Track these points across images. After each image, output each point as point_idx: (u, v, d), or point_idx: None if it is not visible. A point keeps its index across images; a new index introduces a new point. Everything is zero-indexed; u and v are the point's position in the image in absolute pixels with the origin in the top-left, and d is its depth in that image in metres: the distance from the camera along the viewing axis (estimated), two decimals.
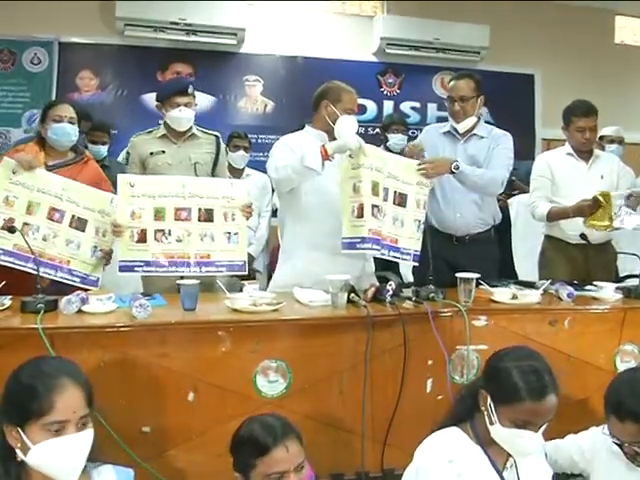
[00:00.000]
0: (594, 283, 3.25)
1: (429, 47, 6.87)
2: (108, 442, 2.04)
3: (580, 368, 2.91)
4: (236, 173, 4.96)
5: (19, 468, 1.66)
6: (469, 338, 2.77)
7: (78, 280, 3.03)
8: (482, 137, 3.63)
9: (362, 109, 6.55)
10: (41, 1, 5.87)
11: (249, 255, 4.39)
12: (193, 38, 6.31)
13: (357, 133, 3.12)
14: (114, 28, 6.20)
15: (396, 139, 5.26)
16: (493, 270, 3.62)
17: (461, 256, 3.53)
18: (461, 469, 1.93)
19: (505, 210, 4.12)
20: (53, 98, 6.01)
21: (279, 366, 2.58)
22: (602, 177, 3.83)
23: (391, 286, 2.86)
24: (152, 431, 2.45)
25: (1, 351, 2.30)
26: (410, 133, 6.74)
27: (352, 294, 2.81)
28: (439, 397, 2.76)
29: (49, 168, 3.14)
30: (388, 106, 7.00)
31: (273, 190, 4.73)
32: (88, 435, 1.69)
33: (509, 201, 4.80)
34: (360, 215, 2.97)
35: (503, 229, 4.00)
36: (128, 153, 3.66)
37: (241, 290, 2.93)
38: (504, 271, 3.83)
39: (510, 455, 2.01)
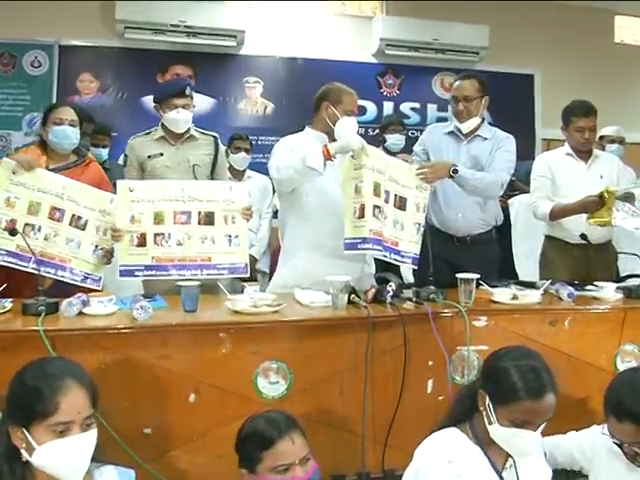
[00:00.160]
0: (594, 283, 3.25)
1: (428, 48, 6.87)
2: (110, 443, 2.04)
3: (581, 368, 2.91)
4: (237, 175, 4.97)
5: (24, 468, 1.67)
6: (469, 339, 2.77)
7: (79, 279, 3.03)
8: (485, 138, 3.63)
9: (362, 110, 6.54)
10: (41, 3, 5.87)
11: (251, 257, 4.41)
12: (193, 40, 6.31)
13: (357, 134, 3.13)
14: (114, 31, 6.20)
15: (394, 139, 5.28)
16: (494, 271, 3.63)
17: (462, 257, 3.53)
18: (461, 469, 1.94)
19: (505, 210, 4.12)
20: (54, 101, 6.01)
21: (280, 367, 2.59)
22: (602, 177, 3.83)
23: (391, 287, 2.86)
24: (153, 432, 2.46)
25: (3, 353, 2.31)
26: (410, 134, 6.77)
27: (353, 295, 2.82)
28: (440, 398, 2.76)
29: (51, 171, 3.14)
30: (388, 107, 7.00)
31: (274, 191, 4.73)
32: (92, 435, 1.70)
33: (509, 201, 4.81)
34: (361, 215, 2.98)
35: (503, 229, 4.00)
36: (126, 155, 3.65)
37: (242, 291, 2.94)
38: (504, 271, 3.83)
39: (509, 455, 2.02)
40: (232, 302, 2.72)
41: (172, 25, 6.18)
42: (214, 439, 2.50)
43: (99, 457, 1.75)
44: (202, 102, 6.16)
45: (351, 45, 6.93)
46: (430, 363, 2.78)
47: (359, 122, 3.35)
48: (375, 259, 3.37)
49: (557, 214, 3.78)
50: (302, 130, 3.45)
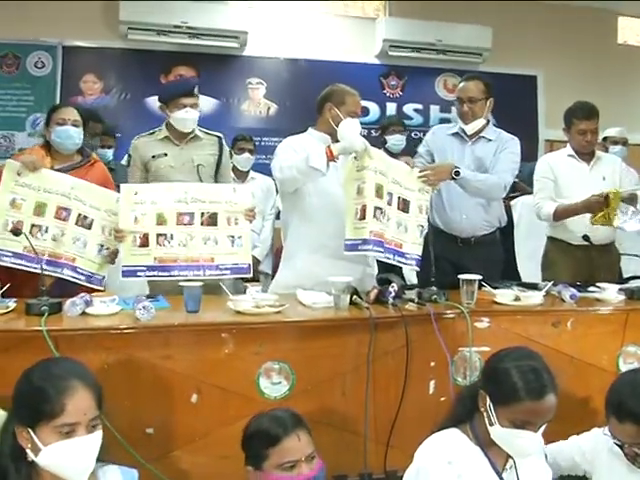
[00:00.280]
0: (597, 284, 3.25)
1: (431, 49, 6.87)
2: (112, 443, 2.05)
3: (583, 369, 2.91)
4: (241, 176, 4.98)
5: (29, 468, 1.68)
6: (471, 340, 2.77)
7: (83, 278, 3.04)
8: (490, 140, 3.63)
9: (365, 111, 6.54)
10: (45, 5, 5.89)
11: (254, 258, 4.41)
12: (196, 41, 6.31)
13: (360, 135, 3.13)
14: (117, 32, 6.21)
15: (394, 140, 5.25)
16: (497, 272, 3.63)
17: (466, 258, 3.54)
18: (461, 470, 1.94)
19: (508, 211, 4.12)
20: (57, 102, 6.03)
21: (282, 368, 2.59)
22: (604, 178, 3.83)
23: (393, 288, 2.87)
24: (156, 432, 2.46)
25: (6, 353, 2.32)
26: (413, 135, 6.78)
27: (355, 296, 2.82)
28: (442, 399, 2.76)
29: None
30: (391, 108, 7.01)
31: (277, 193, 4.74)
32: (97, 437, 1.71)
33: (512, 203, 4.80)
34: (362, 217, 2.98)
35: (506, 231, 4.00)
36: (130, 156, 3.65)
37: (244, 292, 2.94)
38: (507, 272, 3.83)
39: (510, 456, 2.02)
40: (234, 302, 2.73)
41: (175, 26, 6.19)
42: (216, 439, 2.51)
43: (102, 457, 1.75)
44: (205, 103, 6.15)
45: (354, 46, 6.94)
46: (432, 364, 2.78)
47: (362, 123, 3.35)
48: (378, 260, 3.37)
49: (561, 214, 3.78)
50: (305, 131, 3.45)
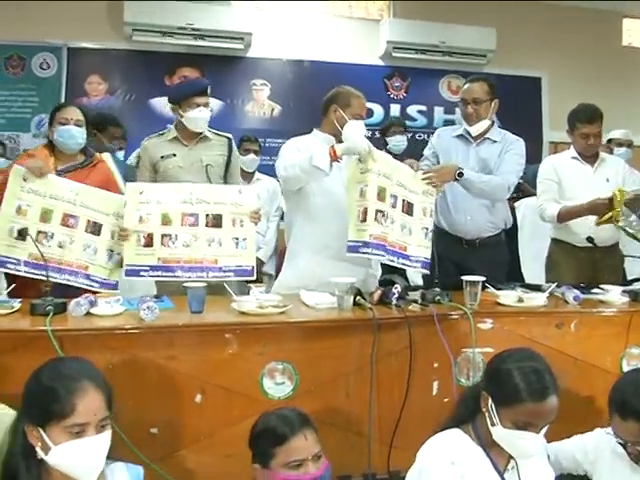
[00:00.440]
0: (600, 286, 3.25)
1: (435, 50, 6.88)
2: (117, 443, 2.06)
3: (586, 371, 2.91)
4: (246, 177, 4.98)
5: (40, 466, 1.69)
6: (475, 341, 2.78)
7: (97, 285, 3.03)
8: (494, 141, 3.64)
9: (369, 113, 6.53)
10: (50, 6, 5.91)
11: (258, 259, 4.42)
12: (200, 43, 6.33)
13: (365, 137, 3.13)
14: (122, 33, 6.24)
15: (395, 141, 5.25)
16: (502, 274, 3.63)
17: (470, 259, 3.54)
18: (464, 471, 1.94)
19: (512, 213, 4.12)
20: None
21: (285, 368, 2.60)
22: (608, 180, 3.83)
23: (397, 289, 2.87)
24: (160, 432, 2.47)
25: (12, 353, 2.33)
26: (417, 137, 6.80)
27: (358, 297, 2.83)
28: (445, 400, 2.77)
29: (58, 172, 3.15)
30: (395, 109, 7.01)
31: (282, 193, 4.75)
32: (107, 436, 1.73)
33: (516, 204, 4.80)
34: (364, 219, 2.99)
35: (511, 232, 4.00)
36: (139, 156, 3.66)
37: (248, 293, 2.95)
38: (511, 274, 3.83)
39: (512, 457, 2.02)
40: (238, 303, 2.73)
41: (180, 28, 6.22)
42: (221, 439, 2.51)
43: (109, 455, 1.76)
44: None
45: (358, 48, 6.95)
46: (435, 365, 2.79)
47: (366, 125, 3.36)
48: (382, 262, 3.38)
49: (565, 216, 3.78)
50: (309, 132, 3.46)
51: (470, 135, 3.68)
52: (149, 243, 3.03)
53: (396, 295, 2.85)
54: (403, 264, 3.16)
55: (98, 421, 1.69)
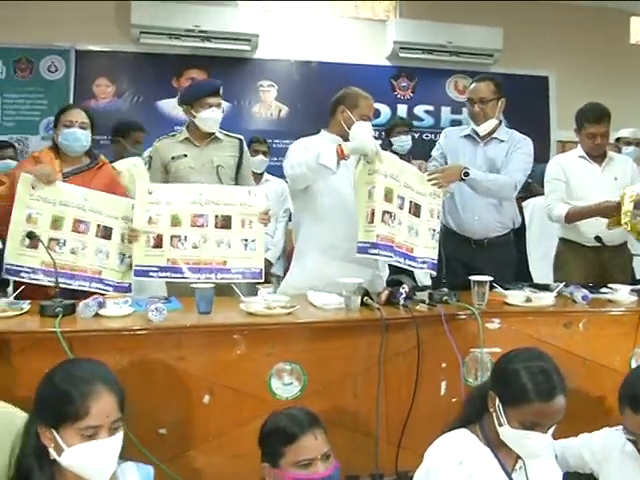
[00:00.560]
0: (609, 285, 3.24)
1: (442, 50, 6.86)
2: (126, 443, 2.07)
3: (595, 371, 2.91)
4: (255, 178, 4.97)
5: (52, 466, 1.70)
6: (482, 341, 2.78)
7: (111, 289, 3.05)
8: (502, 141, 3.64)
9: (376, 113, 6.54)
10: (57, 9, 5.94)
11: (267, 260, 4.42)
12: (208, 44, 6.34)
13: (372, 138, 3.13)
14: (130, 36, 6.25)
15: (399, 141, 5.20)
16: (510, 274, 3.63)
17: (478, 259, 3.54)
18: (471, 471, 1.94)
19: (520, 212, 4.11)
20: None
21: (293, 369, 2.60)
22: (616, 179, 3.82)
23: (404, 289, 2.87)
24: (169, 433, 2.48)
25: (21, 354, 2.34)
26: (424, 137, 6.79)
27: (366, 297, 2.83)
28: (453, 400, 2.77)
29: (64, 175, 3.16)
30: (402, 110, 7.00)
31: None
32: (119, 438, 1.73)
33: (524, 204, 4.80)
34: (372, 220, 2.99)
35: (519, 232, 4.00)
36: (150, 157, 3.66)
37: (256, 293, 2.96)
38: (519, 274, 3.83)
39: (519, 457, 2.01)
40: (246, 304, 2.74)
41: (187, 30, 6.22)
42: (229, 440, 2.52)
43: (120, 454, 1.77)
44: None
45: (365, 48, 6.95)
46: (443, 365, 2.79)
47: (373, 125, 3.36)
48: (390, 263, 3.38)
49: (573, 217, 3.77)
50: (317, 133, 3.46)
51: (477, 135, 3.68)
52: (158, 244, 3.05)
53: (404, 295, 2.85)
54: (410, 265, 3.17)
55: (111, 423, 1.70)
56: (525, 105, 6.66)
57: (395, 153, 4.21)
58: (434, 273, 3.24)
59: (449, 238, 3.45)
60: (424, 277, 3.97)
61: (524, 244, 4.47)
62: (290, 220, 4.66)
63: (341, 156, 3.04)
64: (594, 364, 2.91)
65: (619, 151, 4.91)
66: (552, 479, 2.11)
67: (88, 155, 3.31)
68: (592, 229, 3.70)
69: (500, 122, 3.70)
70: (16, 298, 2.72)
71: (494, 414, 1.98)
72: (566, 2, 7.14)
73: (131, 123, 4.93)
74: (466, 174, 3.29)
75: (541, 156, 5.22)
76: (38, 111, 6.16)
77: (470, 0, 6.81)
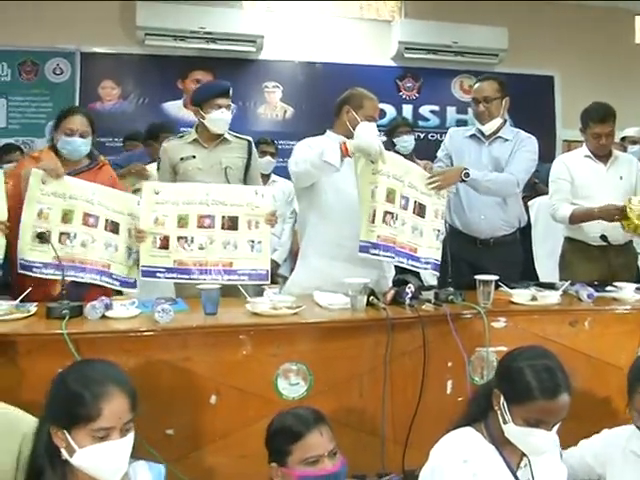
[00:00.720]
0: (614, 284, 3.24)
1: (447, 50, 6.86)
2: (134, 443, 2.08)
3: (601, 369, 2.91)
4: (263, 179, 4.97)
5: (64, 466, 1.71)
6: (488, 340, 2.78)
7: (118, 284, 3.09)
8: (507, 140, 3.63)
9: (381, 113, 6.54)
10: (62, 11, 5.96)
11: (274, 261, 4.42)
12: (212, 46, 6.36)
13: (377, 139, 3.13)
14: (135, 38, 6.27)
15: (402, 141, 5.14)
16: (516, 273, 3.63)
17: (484, 259, 3.54)
18: (476, 469, 1.94)
19: (525, 211, 4.11)
20: None
21: (300, 369, 2.61)
22: (621, 178, 3.82)
23: (410, 289, 2.87)
24: (176, 433, 2.49)
25: (28, 356, 2.36)
26: (429, 137, 6.79)
27: (371, 297, 2.84)
28: (459, 399, 2.77)
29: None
30: (407, 110, 7.01)
31: None
32: (130, 438, 1.74)
33: (530, 203, 4.79)
34: (373, 220, 3.01)
35: (525, 231, 4.00)
36: (159, 158, 3.67)
37: (262, 294, 2.96)
38: (525, 272, 3.83)
39: (524, 454, 2.02)
40: (252, 304, 2.75)
41: (192, 31, 6.24)
42: (236, 440, 2.53)
43: (132, 454, 1.77)
44: None
45: (370, 49, 6.95)
46: (449, 364, 2.80)
47: (378, 125, 3.36)
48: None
49: (577, 218, 3.77)
50: (322, 134, 3.47)
51: (483, 134, 3.68)
52: (165, 245, 3.06)
53: (409, 295, 2.86)
54: (413, 265, 3.17)
55: (123, 424, 1.71)
56: (530, 105, 6.66)
57: (398, 154, 4.21)
58: (437, 274, 3.24)
59: (455, 238, 3.46)
60: (430, 277, 3.97)
61: (530, 243, 4.47)
62: (297, 221, 4.66)
63: (345, 153, 3.02)
64: (599, 362, 2.92)
65: (624, 150, 4.89)
66: (557, 476, 2.11)
67: (88, 156, 3.28)
68: (597, 228, 3.69)
69: (505, 121, 3.70)
70: (22, 301, 2.72)
71: (499, 412, 1.98)
72: (571, 2, 7.13)
73: (160, 126, 4.99)
74: (466, 175, 3.29)
75: (547, 155, 5.20)
76: (44, 114, 6.18)
77: (475, 0, 6.81)
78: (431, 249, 3.22)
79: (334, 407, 2.59)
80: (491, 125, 3.63)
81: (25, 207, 2.94)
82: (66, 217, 2.99)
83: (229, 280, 3.08)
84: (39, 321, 2.56)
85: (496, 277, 2.93)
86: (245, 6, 6.50)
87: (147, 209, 3.07)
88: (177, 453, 2.45)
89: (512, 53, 6.90)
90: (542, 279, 3.91)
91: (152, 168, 3.63)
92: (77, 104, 6.16)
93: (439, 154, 3.84)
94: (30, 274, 2.92)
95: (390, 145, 5.19)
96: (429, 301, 2.90)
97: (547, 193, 4.30)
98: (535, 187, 4.94)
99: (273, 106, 6.78)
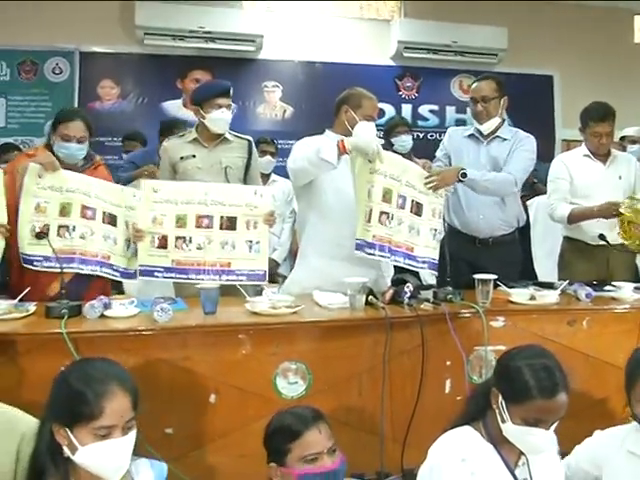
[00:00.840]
0: (612, 283, 3.25)
1: (447, 50, 6.87)
2: (135, 441, 2.09)
3: (599, 368, 2.92)
4: (263, 179, 4.98)
5: (67, 463, 1.72)
6: (487, 339, 2.79)
7: (118, 275, 3.10)
8: (505, 139, 3.63)
9: (381, 113, 6.53)
10: (61, 10, 5.96)
11: (274, 261, 4.43)
12: (212, 45, 6.36)
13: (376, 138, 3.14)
14: (134, 37, 6.27)
15: (400, 141, 5.11)
16: (515, 272, 3.63)
17: (483, 258, 3.54)
18: (474, 468, 1.94)
19: (524, 211, 4.11)
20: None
21: (299, 368, 2.62)
22: (620, 178, 3.83)
23: (409, 288, 2.88)
24: (175, 432, 2.50)
25: (27, 355, 2.36)
26: (429, 136, 6.80)
27: (370, 296, 2.84)
28: (458, 397, 2.78)
29: None
30: (406, 109, 7.01)
31: None
32: (132, 437, 1.74)
33: (528, 202, 4.79)
34: (369, 220, 3.01)
35: (523, 231, 4.00)
36: (159, 157, 3.67)
37: (261, 293, 2.97)
38: (523, 272, 3.83)
39: (522, 453, 2.02)
40: (251, 304, 2.76)
41: (191, 31, 6.24)
42: (235, 439, 2.54)
43: (133, 452, 1.78)
44: None
45: (369, 48, 6.96)
46: (448, 363, 2.80)
47: (377, 125, 3.36)
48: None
49: (575, 218, 3.77)
50: (322, 133, 3.47)
51: (481, 134, 3.68)
52: (163, 245, 3.07)
53: (408, 294, 2.87)
54: (409, 265, 3.17)
55: (124, 423, 1.71)
56: (530, 104, 6.67)
57: (396, 153, 4.22)
58: (435, 273, 3.25)
59: (454, 237, 3.46)
60: (429, 276, 3.97)
61: (529, 242, 4.47)
62: (296, 221, 4.66)
63: (342, 151, 3.02)
64: (598, 361, 2.92)
65: (624, 150, 4.90)
66: (555, 474, 2.11)
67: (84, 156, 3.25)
68: (596, 228, 3.69)
69: (503, 121, 3.70)
70: (20, 301, 2.72)
71: (497, 411, 1.98)
72: (571, 2, 7.13)
73: (171, 122, 5.01)
74: (464, 175, 3.29)
75: (546, 155, 5.21)
76: (43, 113, 6.18)
77: (474, 0, 6.81)
78: (428, 248, 3.23)
79: (333, 406, 2.60)
80: (489, 125, 3.64)
81: (22, 202, 2.94)
82: (64, 210, 3.00)
83: (227, 280, 3.09)
84: (38, 320, 2.56)
85: (495, 276, 2.93)
86: (245, 6, 6.51)
87: (146, 208, 3.08)
88: (176, 452, 2.45)
89: (511, 53, 6.91)
90: (541, 279, 3.90)
91: None
92: (76, 103, 6.18)
93: (438, 154, 3.84)
94: (32, 267, 2.92)
95: (388, 145, 5.18)
96: (428, 300, 2.91)
97: (546, 193, 4.31)
98: (534, 187, 4.95)
99: (273, 106, 6.78)
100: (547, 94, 7.40)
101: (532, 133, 3.70)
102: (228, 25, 6.30)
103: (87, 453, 1.67)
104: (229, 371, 2.56)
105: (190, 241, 3.09)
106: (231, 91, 3.52)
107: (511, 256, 3.70)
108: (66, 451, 1.69)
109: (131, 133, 5.51)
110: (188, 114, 5.70)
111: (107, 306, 2.63)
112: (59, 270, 2.80)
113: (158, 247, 3.06)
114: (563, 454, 2.25)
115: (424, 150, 5.09)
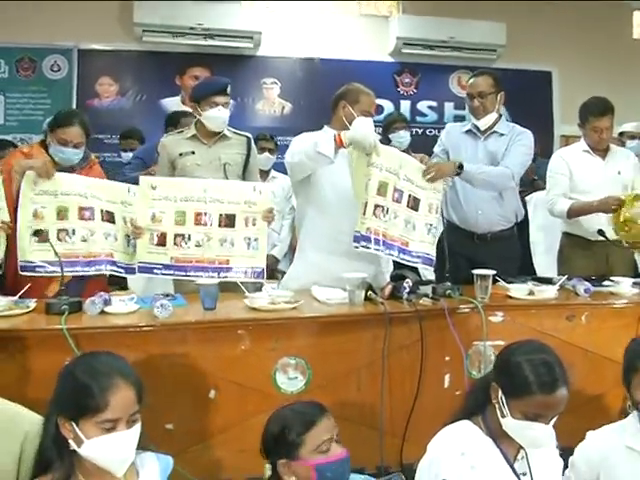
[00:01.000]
0: (611, 278, 3.26)
1: (445, 46, 6.88)
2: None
3: (598, 363, 2.92)
4: (262, 175, 4.97)
5: (72, 456, 1.72)
6: (486, 334, 2.79)
7: (122, 271, 3.09)
8: (502, 134, 3.63)
9: (379, 109, 6.55)
10: (60, 8, 5.96)
11: (274, 257, 4.43)
12: (210, 42, 6.37)
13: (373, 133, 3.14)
14: (132, 34, 6.28)
15: (397, 137, 5.11)
16: (514, 268, 3.62)
17: (481, 253, 3.54)
18: (474, 461, 1.95)
19: (523, 206, 4.12)
20: (74, 105, 6.13)
21: (298, 363, 2.63)
22: (619, 173, 3.83)
23: (408, 283, 2.88)
24: (175, 428, 2.50)
25: (28, 351, 2.37)
26: (427, 132, 6.80)
27: (369, 291, 2.85)
28: (457, 392, 2.79)
29: None
30: (405, 105, 7.02)
31: None
32: (137, 429, 1.75)
33: (527, 198, 4.79)
34: (364, 212, 3.01)
35: (522, 226, 4.00)
36: (158, 153, 3.67)
37: (261, 289, 2.97)
38: (522, 267, 3.83)
39: (521, 447, 2.02)
40: (250, 299, 2.76)
41: (190, 28, 6.26)
42: (235, 434, 2.55)
43: (138, 445, 1.79)
44: None
45: (368, 44, 6.97)
46: (447, 358, 2.81)
47: (376, 121, 3.36)
48: None
49: (575, 213, 3.78)
50: (320, 129, 3.47)
51: (478, 129, 3.68)
52: (162, 242, 3.07)
53: (407, 289, 2.87)
54: (403, 259, 3.16)
55: (129, 416, 1.72)
56: (528, 100, 6.68)
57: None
58: (430, 268, 3.25)
59: (452, 233, 3.46)
60: (428, 271, 3.98)
61: (527, 238, 4.48)
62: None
63: (339, 144, 3.02)
64: (596, 356, 2.93)
65: (623, 145, 4.90)
66: (554, 468, 2.12)
67: None
68: (595, 223, 3.70)
69: (500, 116, 3.70)
70: (21, 297, 2.72)
71: (497, 406, 1.99)
72: None
73: (178, 113, 4.98)
74: (460, 167, 3.29)
75: (545, 150, 5.23)
76: (41, 110, 6.19)
77: None
78: (423, 243, 3.22)
79: (332, 401, 2.58)
80: (486, 120, 3.63)
81: (20, 209, 2.92)
82: (61, 214, 2.98)
83: (226, 277, 3.09)
84: (38, 317, 2.57)
85: (493, 272, 2.93)
86: (243, 3, 6.51)
87: (144, 205, 3.07)
88: (177, 447, 2.44)
89: (510, 48, 6.92)
90: (540, 274, 3.90)
91: None
92: (75, 101, 6.20)
93: (436, 149, 3.84)
94: (34, 275, 2.90)
95: (386, 141, 5.18)
96: (427, 295, 2.92)
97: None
98: (534, 184, 4.95)
99: (271, 102, 6.79)
100: (546, 90, 7.41)
101: (531, 129, 3.70)
102: (227, 22, 6.31)
103: (93, 446, 1.67)
104: (229, 367, 2.56)
105: (189, 238, 3.09)
106: (229, 88, 3.52)
107: (510, 251, 3.71)
108: (72, 444, 1.70)
109: (127, 131, 5.49)
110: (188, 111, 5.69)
111: (107, 302, 2.64)
112: (61, 274, 2.79)
113: (157, 244, 3.06)
114: (562, 449, 2.25)
115: (423, 146, 5.08)
